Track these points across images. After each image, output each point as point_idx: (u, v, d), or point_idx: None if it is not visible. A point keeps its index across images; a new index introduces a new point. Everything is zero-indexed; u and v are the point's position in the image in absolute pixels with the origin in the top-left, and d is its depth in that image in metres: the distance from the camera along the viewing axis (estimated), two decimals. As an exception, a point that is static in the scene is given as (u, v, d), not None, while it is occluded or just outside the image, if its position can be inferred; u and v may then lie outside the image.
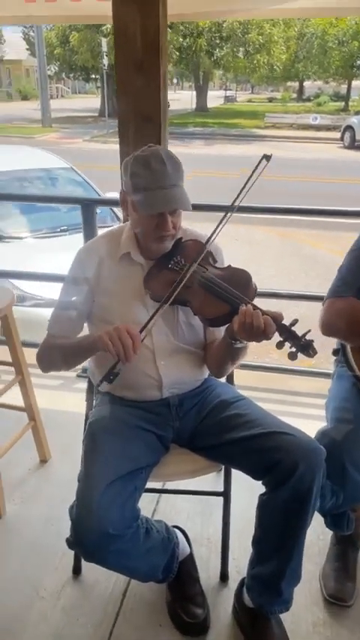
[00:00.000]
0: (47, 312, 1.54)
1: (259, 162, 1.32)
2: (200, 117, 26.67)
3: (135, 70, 1.85)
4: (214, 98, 36.70)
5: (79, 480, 1.31)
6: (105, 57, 19.59)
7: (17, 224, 4.57)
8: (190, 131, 21.50)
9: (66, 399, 2.59)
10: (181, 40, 22.10)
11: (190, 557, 1.60)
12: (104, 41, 19.46)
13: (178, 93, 47.36)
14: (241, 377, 1.79)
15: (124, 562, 1.29)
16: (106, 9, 1.88)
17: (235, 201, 1.35)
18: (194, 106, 30.57)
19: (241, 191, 1.34)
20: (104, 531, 1.18)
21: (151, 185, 1.33)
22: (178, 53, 22.44)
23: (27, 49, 29.64)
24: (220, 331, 1.43)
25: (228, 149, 16.99)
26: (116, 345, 1.22)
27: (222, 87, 44.53)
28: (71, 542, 1.25)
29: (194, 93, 31.08)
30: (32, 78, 37.04)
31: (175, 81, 44.54)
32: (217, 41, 23.37)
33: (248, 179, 1.31)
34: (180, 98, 37.52)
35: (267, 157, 1.31)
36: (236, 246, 6.55)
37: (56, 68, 27.35)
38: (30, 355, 1.86)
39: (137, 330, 1.26)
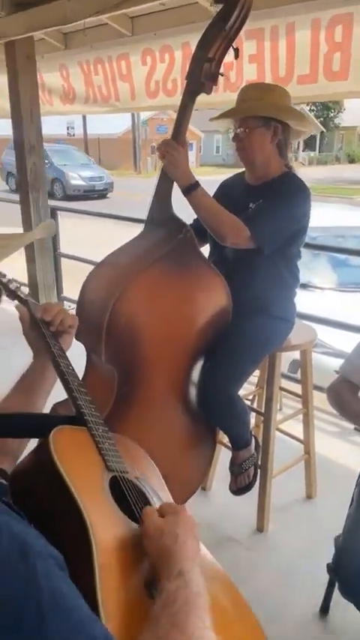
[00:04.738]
0: (334, 362, 1.64)
1: None
2: None
3: None
4: None
5: (348, 517, 1.35)
6: None
7: (325, 277, 4.86)
8: None
9: (338, 447, 2.61)
10: None
11: None
12: None
13: None
14: None
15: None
16: None
17: None
18: None
19: None
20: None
21: None
22: None
23: (364, 116, 30.77)
24: None
25: None
26: None
27: None
28: (332, 570, 1.30)
29: None
30: (364, 142, 38.26)
31: None
32: None
33: None
34: None
35: None
36: None
37: (390, 132, 27.45)
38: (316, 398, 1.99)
39: None
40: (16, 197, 4.13)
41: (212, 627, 0.59)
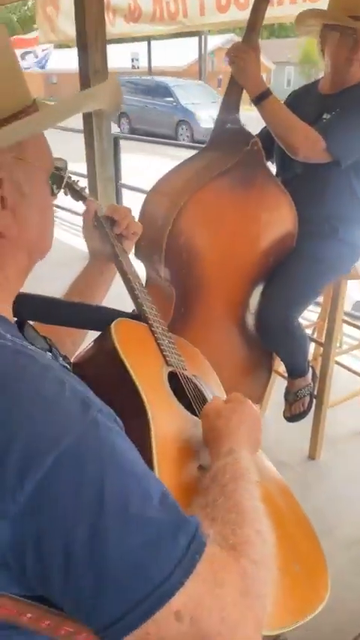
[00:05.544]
0: None
1: None
2: None
3: None
4: None
5: None
6: None
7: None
8: None
9: None
10: None
11: None
12: None
13: None
14: None
15: None
16: None
17: None
18: None
19: None
20: None
21: None
22: None
23: None
24: None
25: None
26: None
27: None
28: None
29: None
30: None
31: None
32: None
33: None
34: None
35: None
36: None
37: None
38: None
39: None
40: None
41: (260, 499, 0.61)
